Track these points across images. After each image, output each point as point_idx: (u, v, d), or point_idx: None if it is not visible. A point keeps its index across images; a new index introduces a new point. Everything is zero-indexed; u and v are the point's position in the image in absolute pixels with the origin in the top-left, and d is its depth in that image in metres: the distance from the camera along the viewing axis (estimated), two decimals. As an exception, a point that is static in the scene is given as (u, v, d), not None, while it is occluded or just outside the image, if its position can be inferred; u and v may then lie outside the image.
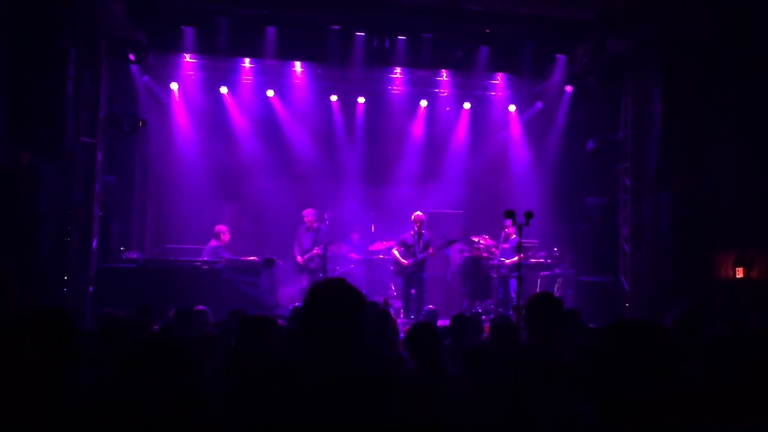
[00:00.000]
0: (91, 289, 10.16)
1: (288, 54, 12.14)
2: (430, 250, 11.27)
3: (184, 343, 2.66)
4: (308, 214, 12.06)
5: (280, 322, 4.95)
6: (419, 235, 11.33)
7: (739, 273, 10.58)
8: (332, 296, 2.42)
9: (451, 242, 11.76)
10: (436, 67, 12.93)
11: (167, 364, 2.50)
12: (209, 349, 4.58)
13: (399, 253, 11.50)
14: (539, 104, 14.00)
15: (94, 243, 10.44)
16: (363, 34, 11.50)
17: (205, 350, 4.53)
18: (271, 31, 11.32)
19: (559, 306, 3.93)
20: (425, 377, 3.69)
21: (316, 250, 11.71)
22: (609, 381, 2.15)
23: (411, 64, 12.36)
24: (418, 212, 11.57)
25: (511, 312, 10.27)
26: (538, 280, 12.33)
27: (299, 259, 11.90)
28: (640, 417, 2.10)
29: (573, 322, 5.49)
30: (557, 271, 12.38)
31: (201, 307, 6.89)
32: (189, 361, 2.60)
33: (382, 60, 12.12)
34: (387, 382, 2.39)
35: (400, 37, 11.61)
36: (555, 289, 12.29)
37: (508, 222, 10.68)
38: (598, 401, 2.18)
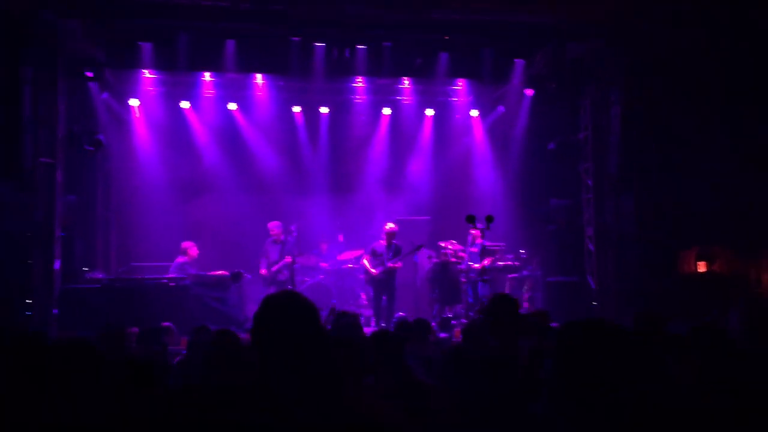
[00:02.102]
0: (55, 311, 9.98)
1: (249, 66, 12.10)
2: (399, 264, 11.30)
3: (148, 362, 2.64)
4: (274, 227, 12.01)
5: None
6: (390, 245, 11.37)
7: (702, 267, 10.79)
8: (282, 312, 2.26)
9: (418, 248, 11.77)
10: (397, 75, 12.99)
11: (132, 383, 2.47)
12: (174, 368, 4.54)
13: (368, 262, 11.51)
14: (501, 108, 14.11)
15: (57, 264, 10.26)
16: (323, 44, 11.51)
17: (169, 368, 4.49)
18: (230, 44, 11.29)
19: (516, 307, 3.99)
20: (392, 388, 3.66)
21: (285, 260, 11.65)
22: (565, 380, 2.17)
23: (372, 73, 12.41)
24: (391, 224, 11.56)
25: (479, 315, 10.31)
26: (507, 283, 12.41)
27: (264, 271, 11.83)
28: (596, 416, 2.13)
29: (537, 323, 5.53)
30: (525, 273, 12.46)
31: (167, 323, 6.82)
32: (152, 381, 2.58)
33: (344, 70, 12.14)
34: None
35: (360, 47, 11.65)
36: (524, 290, 12.37)
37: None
38: (552, 400, 2.19)
